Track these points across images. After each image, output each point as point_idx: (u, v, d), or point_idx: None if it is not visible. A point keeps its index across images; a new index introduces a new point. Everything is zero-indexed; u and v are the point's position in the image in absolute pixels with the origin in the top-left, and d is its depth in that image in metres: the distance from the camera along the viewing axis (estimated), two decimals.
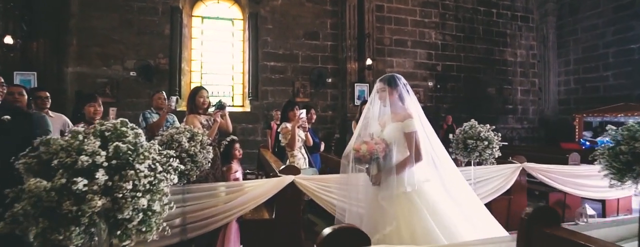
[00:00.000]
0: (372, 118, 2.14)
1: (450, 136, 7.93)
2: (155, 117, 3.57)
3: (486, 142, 2.98)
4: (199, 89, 2.91)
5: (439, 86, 8.37)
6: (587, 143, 6.40)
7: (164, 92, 3.70)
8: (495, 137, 3.04)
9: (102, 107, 2.48)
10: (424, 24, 8.33)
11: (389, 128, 2.02)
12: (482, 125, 3.14)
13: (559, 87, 9.29)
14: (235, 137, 2.75)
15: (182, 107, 5.65)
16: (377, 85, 2.12)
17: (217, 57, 7.45)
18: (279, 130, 3.15)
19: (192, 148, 2.16)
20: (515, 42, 9.30)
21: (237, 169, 2.69)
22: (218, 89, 7.32)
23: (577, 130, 7.75)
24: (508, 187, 3.40)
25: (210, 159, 2.30)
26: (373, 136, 2.01)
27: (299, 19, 7.36)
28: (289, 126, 3.11)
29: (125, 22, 6.38)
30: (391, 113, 2.08)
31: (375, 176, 2.00)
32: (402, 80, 2.12)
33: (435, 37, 8.45)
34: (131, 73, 6.39)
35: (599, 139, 6.39)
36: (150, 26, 6.53)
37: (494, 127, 3.14)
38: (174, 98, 3.34)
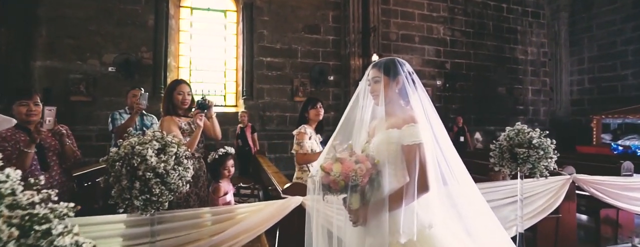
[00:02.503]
0: (358, 122, 1.43)
1: (461, 138, 7.32)
2: (126, 119, 2.92)
3: (541, 152, 2.38)
4: (177, 82, 2.25)
5: (448, 85, 7.81)
6: (620, 148, 5.88)
7: (141, 89, 3.04)
8: (551, 145, 2.44)
9: (40, 105, 1.82)
10: (432, 19, 7.77)
11: (379, 138, 1.31)
12: (531, 129, 2.55)
13: (572, 87, 8.81)
14: (231, 150, 2.09)
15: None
16: (369, 72, 1.41)
17: (208, 52, 6.77)
18: (294, 133, 2.48)
19: (162, 165, 1.52)
20: (525, 40, 8.80)
21: (227, 190, 2.04)
22: (209, 87, 6.65)
23: (594, 132, 7.24)
24: (558, 204, 2.81)
25: (189, 178, 1.66)
26: (353, 149, 1.29)
27: (298, 11, 6.72)
28: (308, 130, 2.44)
29: (103, 11, 5.66)
30: (386, 115, 1.37)
31: (355, 211, 1.27)
32: (407, 67, 1.39)
33: (443, 33, 7.89)
34: (110, 68, 5.68)
35: (633, 142, 5.85)
36: (131, 16, 5.83)
37: (547, 132, 2.54)
38: (145, 94, 2.68)
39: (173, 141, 1.62)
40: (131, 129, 2.69)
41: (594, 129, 7.24)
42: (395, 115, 1.34)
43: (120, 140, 1.60)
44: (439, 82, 7.77)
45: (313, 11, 6.81)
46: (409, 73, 1.39)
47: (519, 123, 2.62)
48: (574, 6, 8.70)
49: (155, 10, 5.95)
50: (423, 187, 1.24)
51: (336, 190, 1.20)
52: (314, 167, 1.35)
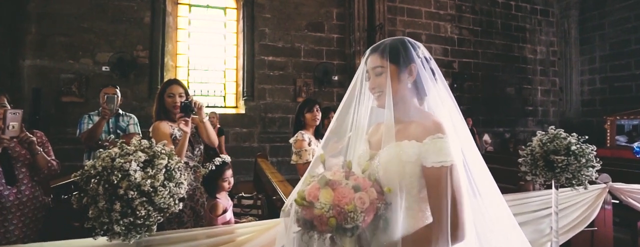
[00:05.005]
0: (356, 129, 1.05)
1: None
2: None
3: (583, 160, 2.11)
4: (167, 83, 1.98)
5: (455, 85, 7.53)
6: None
7: (117, 88, 2.74)
8: (592, 152, 2.17)
9: (8, 106, 1.55)
10: (439, 17, 7.50)
11: (389, 154, 0.92)
12: (567, 134, 2.28)
13: (583, 87, 8.54)
14: (227, 159, 1.82)
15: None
16: (368, 59, 1.01)
17: (207, 51, 6.49)
18: (291, 141, 2.23)
19: (149, 181, 1.24)
20: (534, 38, 8.55)
21: (226, 206, 1.76)
22: (208, 88, 6.37)
23: (608, 134, 6.97)
24: (594, 216, 2.54)
25: (183, 195, 1.39)
26: (351, 169, 0.90)
27: (301, 8, 6.45)
28: (305, 136, 2.19)
29: (96, 7, 5.39)
30: (395, 120, 0.97)
31: None
32: (421, 51, 1.00)
33: (451, 31, 7.63)
34: (104, 68, 5.40)
35: None
36: (127, 13, 5.55)
37: (586, 137, 2.27)
38: (112, 97, 2.39)
39: (163, 152, 1.35)
40: (112, 136, 2.41)
41: (608, 131, 6.97)
42: (411, 121, 0.96)
43: (100, 149, 1.32)
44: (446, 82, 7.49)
45: (316, 8, 6.53)
46: (426, 59, 0.99)
47: (552, 127, 2.36)
48: (584, 4, 8.44)
49: (151, 6, 5.68)
50: (456, 232, 0.82)
51: (324, 230, 0.80)
52: (289, 198, 0.96)
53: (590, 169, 2.13)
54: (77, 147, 4.77)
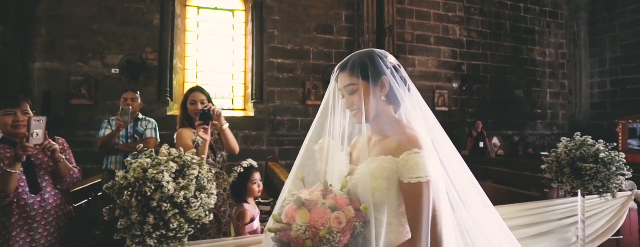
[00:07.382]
0: (332, 144, 1.05)
1: (481, 144, 6.93)
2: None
3: (613, 168, 2.06)
4: (190, 91, 1.97)
5: (464, 88, 7.47)
6: None
7: (137, 94, 2.72)
8: (622, 160, 2.12)
9: (31, 113, 1.51)
10: (448, 19, 7.45)
11: (365, 170, 0.91)
12: (594, 140, 2.23)
13: (592, 90, 8.46)
14: (254, 163, 1.78)
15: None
16: (339, 78, 1.00)
17: (216, 53, 6.47)
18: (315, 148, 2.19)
19: (182, 193, 1.21)
20: (543, 41, 8.48)
21: (254, 215, 1.72)
22: (216, 90, 6.34)
23: (620, 137, 6.88)
24: (621, 224, 2.48)
25: (213, 205, 1.35)
26: (327, 188, 0.87)
27: (310, 10, 6.42)
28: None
29: (106, 10, 5.38)
30: (375, 133, 1.00)
31: None
32: (389, 60, 0.98)
33: (459, 34, 7.57)
34: (113, 70, 5.39)
35: None
36: (136, 15, 5.54)
37: (614, 144, 2.22)
38: (127, 109, 2.38)
39: (193, 161, 1.31)
40: (140, 145, 2.39)
41: (620, 135, 6.88)
42: (387, 134, 0.95)
43: (127, 161, 1.29)
44: (455, 85, 7.44)
45: (325, 11, 6.50)
46: (395, 68, 0.97)
47: (578, 134, 2.31)
48: (594, 6, 8.37)
49: (161, 9, 5.66)
50: None
51: None
52: (274, 213, 0.91)
53: (620, 177, 2.08)
54: (87, 150, 4.76)
